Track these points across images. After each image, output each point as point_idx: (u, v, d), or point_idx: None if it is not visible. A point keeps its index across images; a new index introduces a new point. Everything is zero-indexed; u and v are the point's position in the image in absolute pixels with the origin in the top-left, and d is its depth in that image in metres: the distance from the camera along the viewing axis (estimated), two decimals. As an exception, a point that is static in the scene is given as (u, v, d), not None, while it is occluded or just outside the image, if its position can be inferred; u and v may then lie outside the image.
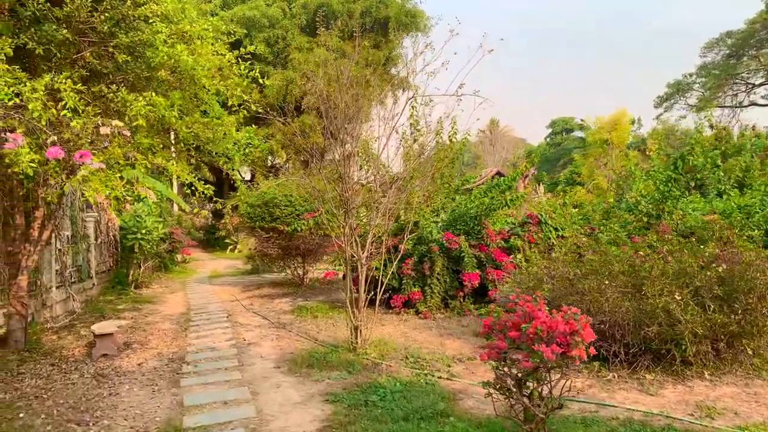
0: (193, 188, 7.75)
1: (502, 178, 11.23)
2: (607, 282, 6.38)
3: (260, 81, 8.09)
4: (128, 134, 6.00)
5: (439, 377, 6.47)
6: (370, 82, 7.99)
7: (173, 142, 8.49)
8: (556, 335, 4.06)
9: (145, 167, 6.89)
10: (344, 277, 11.02)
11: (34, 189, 7.66)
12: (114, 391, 6.39)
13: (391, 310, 10.13)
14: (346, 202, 7.14)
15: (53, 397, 6.20)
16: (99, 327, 8.21)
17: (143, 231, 14.59)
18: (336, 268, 11.29)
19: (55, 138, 5.39)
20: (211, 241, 29.35)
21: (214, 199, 9.32)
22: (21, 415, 5.65)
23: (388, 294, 9.89)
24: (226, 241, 26.55)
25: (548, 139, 64.42)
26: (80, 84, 6.14)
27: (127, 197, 15.47)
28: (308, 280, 14.44)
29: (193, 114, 7.81)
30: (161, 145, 7.47)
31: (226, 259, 24.44)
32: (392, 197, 7.45)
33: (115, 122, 5.43)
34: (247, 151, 8.97)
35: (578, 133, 59.08)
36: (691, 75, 47.53)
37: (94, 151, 6.36)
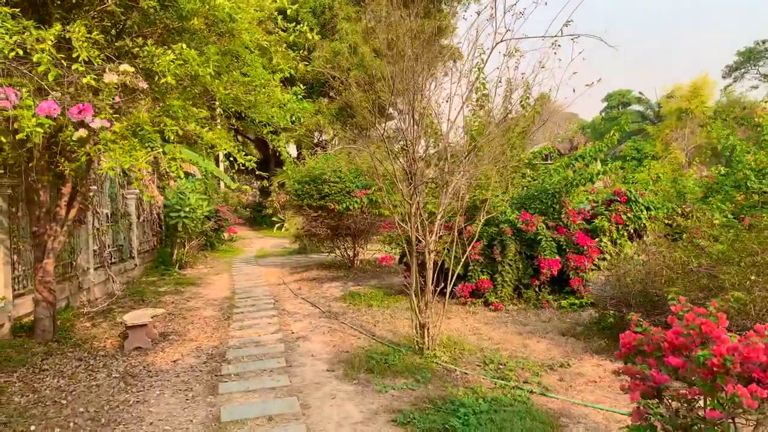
0: (232, 158, 6.62)
1: (587, 148, 9.67)
2: (753, 277, 4.89)
3: (308, 36, 6.86)
4: (145, 86, 4.85)
5: (530, 392, 5.17)
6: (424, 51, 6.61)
7: (209, 106, 7.37)
8: (751, 368, 2.70)
9: (177, 135, 5.76)
10: (402, 260, 9.79)
11: (56, 161, 6.69)
12: (142, 398, 5.39)
13: (455, 300, 8.85)
14: (413, 177, 5.85)
15: (73, 403, 5.24)
16: (132, 317, 7.27)
17: (187, 209, 13.76)
18: (392, 250, 10.04)
19: (58, 94, 4.28)
20: (258, 219, 28.75)
21: (257, 172, 8.21)
22: (32, 428, 4.70)
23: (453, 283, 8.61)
24: (273, 219, 25.80)
25: (603, 114, 61.01)
26: (99, 34, 5.03)
27: (170, 173, 14.51)
28: (358, 262, 13.31)
29: (232, 73, 6.64)
30: (196, 109, 6.32)
31: (273, 238, 23.69)
32: (465, 171, 6.12)
33: (124, 67, 4.28)
34: (294, 117, 7.74)
35: (636, 107, 55.64)
36: (764, 42, 43.55)
37: (115, 116, 5.29)
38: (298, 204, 12.37)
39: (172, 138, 5.70)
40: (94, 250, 10.54)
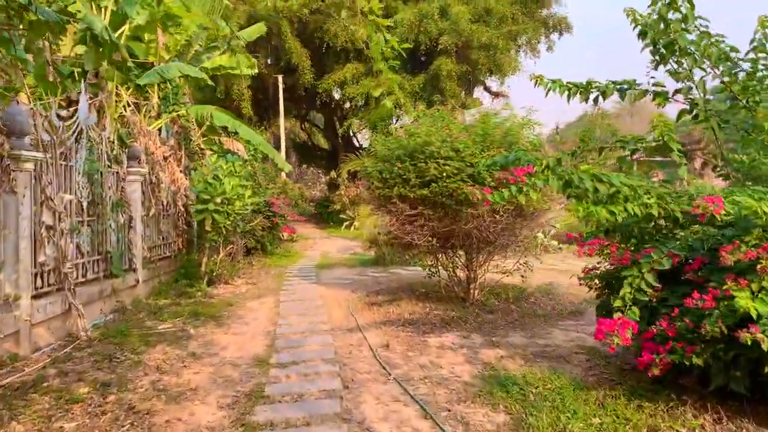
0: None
1: None
2: None
3: None
4: None
5: None
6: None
7: None
8: None
9: None
10: (644, 335, 3.88)
11: None
12: None
13: (700, 403, 3.32)
14: None
15: None
16: None
17: (218, 199, 8.84)
18: (621, 305, 4.22)
19: None
20: (325, 215, 23.90)
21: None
22: None
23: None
24: (342, 216, 20.88)
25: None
26: None
27: (204, 149, 9.59)
28: (475, 291, 7.88)
29: None
30: None
31: (340, 238, 18.73)
32: None
33: None
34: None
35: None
36: None
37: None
38: (384, 194, 7.14)
39: None
40: (41, 263, 5.74)
